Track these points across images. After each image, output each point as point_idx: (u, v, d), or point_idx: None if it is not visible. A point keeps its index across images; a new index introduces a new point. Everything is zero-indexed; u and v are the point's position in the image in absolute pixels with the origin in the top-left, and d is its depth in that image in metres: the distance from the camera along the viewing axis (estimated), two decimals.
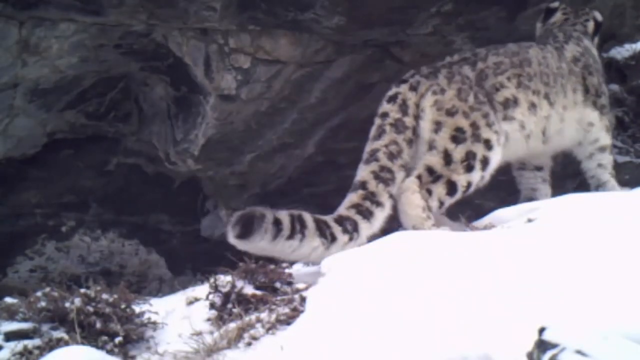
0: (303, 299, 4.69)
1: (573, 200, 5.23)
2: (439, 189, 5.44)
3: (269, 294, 4.93)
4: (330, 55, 7.27)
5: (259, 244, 4.94)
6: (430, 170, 5.44)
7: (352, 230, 5.18)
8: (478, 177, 5.55)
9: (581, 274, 3.64)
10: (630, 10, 7.86)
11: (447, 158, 5.48)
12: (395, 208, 5.39)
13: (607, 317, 3.22)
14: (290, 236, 4.97)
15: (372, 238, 5.17)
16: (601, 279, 3.57)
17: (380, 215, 5.30)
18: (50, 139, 7.40)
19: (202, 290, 5.32)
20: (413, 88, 5.65)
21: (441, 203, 5.47)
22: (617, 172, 6.66)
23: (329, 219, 5.19)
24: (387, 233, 5.11)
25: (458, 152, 5.48)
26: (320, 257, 5.02)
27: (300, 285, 5.01)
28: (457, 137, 5.51)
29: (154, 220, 8.01)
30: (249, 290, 4.91)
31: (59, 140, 7.46)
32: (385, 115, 5.61)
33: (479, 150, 5.53)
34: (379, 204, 5.30)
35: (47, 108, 7.12)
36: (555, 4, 7.02)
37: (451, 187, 5.47)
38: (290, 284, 5.08)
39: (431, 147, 5.50)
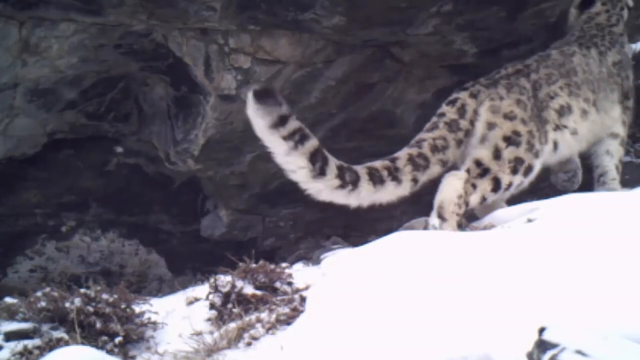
0: (303, 299, 4.70)
1: (573, 200, 5.23)
2: (484, 185, 5.62)
3: (269, 294, 4.93)
4: (330, 55, 7.27)
5: (263, 120, 5.06)
6: (478, 163, 5.63)
7: (349, 181, 5.30)
8: (518, 181, 5.74)
9: (581, 274, 3.64)
10: (631, 10, 7.86)
11: (497, 154, 5.66)
12: (413, 193, 5.55)
13: (607, 317, 3.22)
14: (286, 138, 5.10)
15: (371, 205, 5.34)
16: (601, 279, 3.56)
17: (392, 189, 5.43)
18: (50, 139, 7.39)
19: (202, 290, 5.33)
20: (473, 95, 5.87)
21: (484, 199, 5.64)
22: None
23: (332, 158, 5.31)
24: (387, 233, 5.11)
25: (508, 153, 5.67)
26: (305, 181, 5.21)
27: (300, 285, 5.02)
28: (511, 139, 5.71)
29: (154, 220, 8.01)
30: (249, 290, 4.91)
31: (59, 140, 7.46)
32: (442, 114, 5.87)
33: (528, 158, 5.73)
34: (396, 178, 5.43)
35: (47, 108, 7.12)
36: None
37: (496, 184, 5.66)
38: (290, 284, 5.09)
39: (483, 141, 5.68)
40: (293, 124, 5.15)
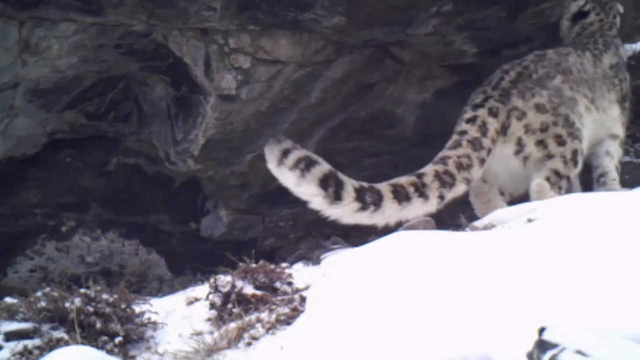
0: (303, 299, 4.70)
1: (573, 200, 5.23)
2: (564, 184, 5.96)
3: (269, 294, 4.93)
4: (330, 55, 7.27)
5: (271, 163, 5.16)
6: (557, 172, 5.92)
7: (370, 202, 5.16)
8: (580, 169, 6.13)
9: (581, 274, 3.64)
10: (630, 10, 7.87)
11: (564, 159, 5.94)
12: (439, 210, 5.52)
13: (607, 317, 3.22)
14: (291, 167, 5.08)
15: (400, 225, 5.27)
16: (601, 279, 3.56)
17: (419, 205, 5.34)
18: (50, 139, 7.40)
19: (202, 290, 5.32)
20: (493, 114, 5.83)
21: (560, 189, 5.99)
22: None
23: (349, 181, 5.19)
24: (387, 233, 5.10)
25: (568, 152, 5.96)
26: (322, 208, 5.12)
27: (300, 285, 5.01)
28: (561, 141, 5.94)
29: (154, 220, 8.01)
30: (249, 290, 4.90)
31: (59, 140, 7.46)
32: (463, 132, 5.80)
33: (578, 145, 6.03)
34: (423, 194, 5.33)
35: (47, 108, 7.12)
36: (587, 7, 7.17)
37: (568, 181, 6.03)
38: (290, 284, 5.09)
39: (550, 157, 5.92)
40: (297, 153, 5.10)
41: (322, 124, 7.63)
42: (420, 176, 5.41)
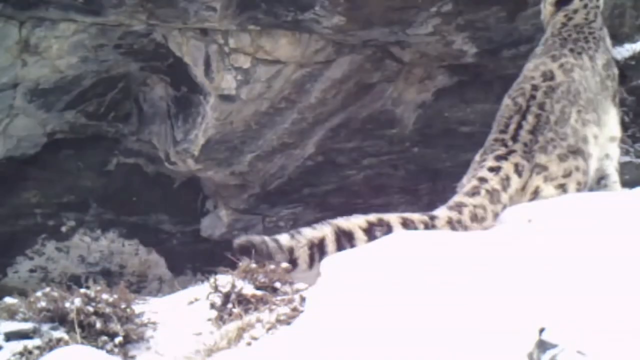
0: (303, 299, 4.69)
1: (573, 200, 5.23)
2: None
3: (269, 294, 4.92)
4: (330, 55, 7.28)
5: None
6: None
7: (381, 236, 5.00)
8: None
9: (581, 274, 3.64)
10: (630, 10, 7.87)
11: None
12: None
13: (607, 317, 3.22)
14: (310, 265, 4.97)
15: None
16: (601, 279, 3.56)
17: None
18: (50, 139, 7.40)
19: (202, 290, 5.32)
20: (518, 172, 5.66)
21: None
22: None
23: (354, 226, 5.07)
24: (387, 233, 5.10)
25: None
26: None
27: (300, 285, 5.00)
28: (579, 189, 5.83)
29: (154, 220, 8.02)
30: (249, 290, 4.89)
31: (59, 140, 7.47)
32: (483, 180, 5.55)
33: (588, 182, 5.99)
34: None
35: (47, 108, 7.13)
36: None
37: None
38: (290, 284, 5.08)
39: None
40: (301, 250, 4.99)
41: (322, 124, 7.63)
42: (432, 218, 5.23)
